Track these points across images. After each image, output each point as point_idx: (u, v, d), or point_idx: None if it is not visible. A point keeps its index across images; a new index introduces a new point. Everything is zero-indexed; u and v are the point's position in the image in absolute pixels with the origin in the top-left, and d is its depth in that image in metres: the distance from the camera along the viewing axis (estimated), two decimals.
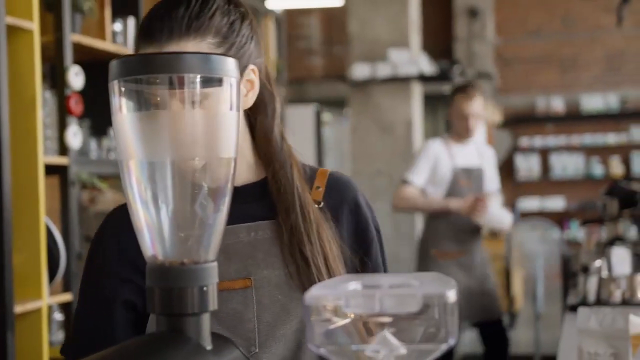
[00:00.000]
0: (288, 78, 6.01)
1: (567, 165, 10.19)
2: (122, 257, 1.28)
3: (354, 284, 0.79)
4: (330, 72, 10.51)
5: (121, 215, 1.31)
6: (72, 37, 3.11)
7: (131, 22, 3.54)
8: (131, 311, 1.27)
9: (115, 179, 3.39)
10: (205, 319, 0.82)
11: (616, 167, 10.01)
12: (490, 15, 10.16)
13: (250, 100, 1.29)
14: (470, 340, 5.88)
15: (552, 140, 10.23)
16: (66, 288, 3.07)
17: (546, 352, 5.28)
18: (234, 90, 0.84)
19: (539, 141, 10.25)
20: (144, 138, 0.82)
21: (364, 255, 1.36)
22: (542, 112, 10.26)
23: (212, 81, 0.82)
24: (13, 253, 2.69)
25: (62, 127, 3.07)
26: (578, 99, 10.17)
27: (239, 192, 1.09)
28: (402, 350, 0.75)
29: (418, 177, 4.24)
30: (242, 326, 1.25)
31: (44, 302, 2.82)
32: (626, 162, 10.09)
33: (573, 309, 2.76)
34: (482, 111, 4.29)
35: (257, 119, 1.32)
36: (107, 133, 3.44)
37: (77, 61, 3.16)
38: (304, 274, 1.27)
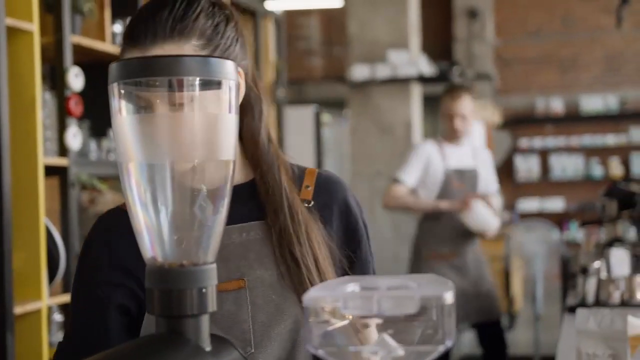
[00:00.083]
0: (287, 79, 6.01)
1: (566, 166, 10.19)
2: (113, 262, 1.28)
3: (352, 286, 0.80)
4: (329, 73, 10.51)
5: (112, 220, 1.32)
6: (72, 39, 3.11)
7: None
8: (125, 315, 1.27)
9: (115, 180, 3.40)
10: (205, 320, 0.82)
11: (615, 168, 10.01)
12: (490, 16, 10.17)
13: None
14: (469, 341, 5.89)
15: (551, 141, 10.23)
16: (66, 289, 3.07)
17: (546, 353, 5.28)
18: (232, 92, 0.84)
19: (538, 142, 10.26)
20: (144, 140, 0.82)
21: (353, 254, 1.36)
22: (542, 113, 10.26)
23: (211, 84, 0.82)
24: (13, 254, 2.69)
25: (61, 128, 3.07)
26: (577, 100, 10.17)
27: None
28: (400, 351, 0.76)
29: (409, 177, 4.24)
30: (237, 327, 1.25)
31: (43, 303, 2.83)
32: (625, 163, 10.10)
33: (572, 309, 2.77)
34: (470, 112, 4.27)
35: (243, 121, 1.32)
36: (107, 134, 3.44)
37: (77, 62, 3.16)
38: (294, 274, 1.27)
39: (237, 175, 1.33)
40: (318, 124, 7.75)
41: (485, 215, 4.15)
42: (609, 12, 7.60)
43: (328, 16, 10.62)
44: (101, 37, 3.37)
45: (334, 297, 0.76)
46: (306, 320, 0.76)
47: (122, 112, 0.82)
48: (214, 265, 0.83)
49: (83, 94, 3.15)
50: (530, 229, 6.94)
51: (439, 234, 4.24)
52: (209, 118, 0.84)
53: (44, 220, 2.84)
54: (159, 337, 0.81)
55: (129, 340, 1.18)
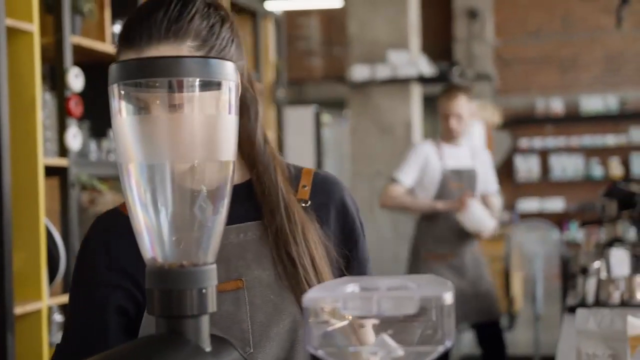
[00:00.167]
0: (287, 79, 6.02)
1: (566, 166, 10.19)
2: (110, 264, 1.28)
3: (352, 287, 0.80)
4: (329, 73, 10.51)
5: (109, 221, 1.32)
6: (72, 39, 3.12)
7: None
8: (123, 317, 1.27)
9: (115, 181, 3.40)
10: (205, 321, 0.82)
11: (615, 168, 10.02)
12: (490, 16, 10.17)
13: None
14: (468, 341, 5.89)
15: (551, 141, 10.24)
16: (66, 289, 3.07)
17: (546, 353, 5.28)
18: (232, 93, 0.84)
19: (538, 142, 10.26)
20: (144, 141, 0.82)
21: (350, 253, 1.37)
22: (542, 113, 10.26)
23: (211, 85, 0.83)
24: (13, 254, 2.69)
25: (62, 128, 3.07)
26: (577, 100, 10.17)
27: None
28: (400, 352, 0.76)
29: (407, 177, 4.25)
30: (236, 327, 1.26)
31: (44, 304, 2.83)
32: (625, 164, 10.10)
33: (572, 310, 2.77)
34: (467, 112, 4.27)
35: (239, 122, 1.32)
36: (107, 135, 3.44)
37: (77, 63, 3.16)
38: (291, 274, 1.28)
39: (234, 176, 1.33)
40: (318, 124, 7.75)
41: (481, 215, 4.15)
42: (609, 12, 7.60)
43: (328, 16, 10.63)
44: (101, 37, 3.37)
45: (334, 297, 0.77)
46: (306, 320, 0.77)
47: (122, 113, 0.82)
48: (214, 266, 0.83)
49: (83, 95, 3.15)
50: (530, 229, 6.95)
51: (437, 234, 4.24)
52: (208, 119, 0.84)
53: (44, 220, 2.84)
54: (159, 338, 0.81)
55: (127, 341, 1.19)
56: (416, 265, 4.29)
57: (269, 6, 5.26)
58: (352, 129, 6.64)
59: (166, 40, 1.19)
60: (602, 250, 3.56)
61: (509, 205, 9.87)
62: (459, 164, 4.31)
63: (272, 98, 5.26)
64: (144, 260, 0.84)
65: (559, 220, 9.79)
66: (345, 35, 7.12)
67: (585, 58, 10.23)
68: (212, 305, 0.82)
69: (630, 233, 3.99)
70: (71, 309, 1.31)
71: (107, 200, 3.25)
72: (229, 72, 0.83)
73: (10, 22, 2.73)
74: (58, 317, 3.11)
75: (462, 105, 4.24)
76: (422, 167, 4.26)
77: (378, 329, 0.77)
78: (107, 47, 3.35)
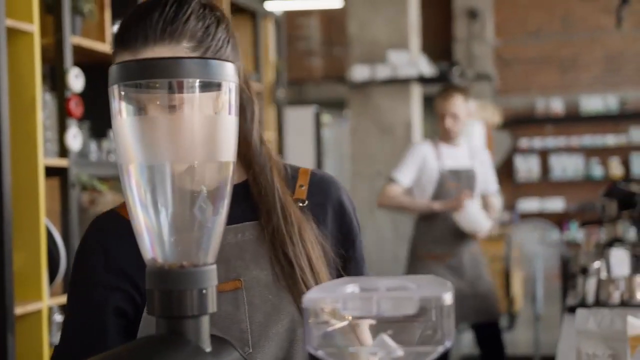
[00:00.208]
0: (287, 79, 6.02)
1: (566, 166, 10.20)
2: (109, 265, 1.28)
3: (352, 287, 0.80)
4: (329, 74, 10.51)
5: (107, 222, 1.32)
6: (72, 40, 3.12)
7: None
8: (121, 318, 1.27)
9: (115, 181, 3.40)
10: (205, 321, 0.82)
11: (615, 168, 10.02)
12: (490, 16, 10.17)
13: None
14: (468, 341, 5.89)
15: (551, 141, 10.24)
16: (66, 289, 3.07)
17: (546, 353, 5.29)
18: (232, 94, 0.84)
19: (538, 142, 10.26)
20: (144, 142, 0.83)
21: (347, 253, 1.37)
22: (542, 113, 10.26)
23: (211, 86, 0.83)
24: (13, 254, 2.69)
25: (62, 129, 3.07)
26: (577, 100, 10.18)
27: None
28: (399, 352, 0.76)
29: (404, 177, 4.25)
30: (235, 327, 1.26)
31: (44, 304, 2.83)
32: (625, 164, 10.10)
33: (572, 310, 2.77)
34: (463, 111, 4.27)
35: None
36: (107, 135, 3.44)
37: (77, 63, 3.16)
38: (288, 274, 1.28)
39: None
40: (318, 125, 7.75)
41: (477, 215, 4.15)
42: (609, 12, 7.61)
43: (328, 16, 10.63)
44: (101, 38, 3.37)
45: (334, 298, 0.77)
46: (306, 321, 0.77)
47: (123, 113, 0.83)
48: (214, 266, 0.83)
49: (83, 95, 3.15)
50: (530, 229, 6.95)
51: (435, 235, 4.24)
52: (208, 119, 0.84)
53: (44, 220, 2.84)
54: (159, 338, 0.81)
55: (125, 343, 1.18)
56: (414, 265, 4.29)
57: (269, 6, 5.26)
58: (352, 129, 6.64)
59: (162, 42, 1.20)
60: (602, 250, 3.56)
61: (509, 205, 9.87)
62: (457, 164, 4.31)
63: (272, 98, 5.26)
64: (141, 262, 0.84)
65: (559, 220, 9.79)
66: (345, 36, 7.12)
67: (585, 58, 10.23)
68: (212, 305, 0.82)
69: (630, 233, 3.99)
70: (69, 310, 1.31)
71: (107, 201, 3.25)
72: (228, 73, 0.83)
73: (11, 22, 2.73)
74: (58, 317, 3.11)
75: (458, 104, 4.25)
76: (419, 167, 4.26)
77: (378, 330, 0.77)
78: (107, 47, 3.35)
